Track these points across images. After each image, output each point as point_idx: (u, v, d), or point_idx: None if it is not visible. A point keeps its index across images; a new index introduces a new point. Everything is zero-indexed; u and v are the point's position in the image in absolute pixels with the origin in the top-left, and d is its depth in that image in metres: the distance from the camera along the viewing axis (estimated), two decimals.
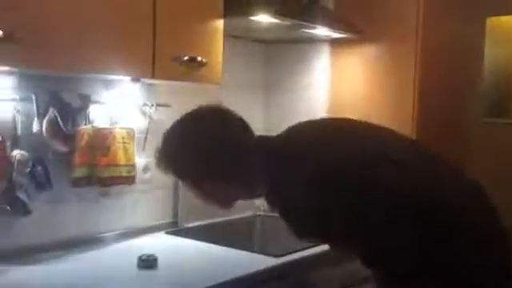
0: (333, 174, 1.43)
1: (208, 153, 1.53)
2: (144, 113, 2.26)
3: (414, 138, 2.28)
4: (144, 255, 1.85)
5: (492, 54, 3.17)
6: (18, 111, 1.85)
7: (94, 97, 2.05)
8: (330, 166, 1.45)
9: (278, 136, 1.62)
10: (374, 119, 1.66)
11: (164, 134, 1.60)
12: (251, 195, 1.69)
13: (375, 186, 1.41)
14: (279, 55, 2.84)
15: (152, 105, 2.24)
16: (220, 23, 2.10)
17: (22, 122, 1.86)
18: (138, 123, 2.23)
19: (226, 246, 2.12)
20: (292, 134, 1.61)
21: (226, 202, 1.66)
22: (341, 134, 1.58)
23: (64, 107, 1.93)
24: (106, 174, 2.03)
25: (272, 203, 1.58)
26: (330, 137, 1.56)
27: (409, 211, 1.40)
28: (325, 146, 1.51)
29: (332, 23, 2.44)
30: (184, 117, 1.61)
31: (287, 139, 1.60)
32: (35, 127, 1.88)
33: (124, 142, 2.08)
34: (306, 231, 1.53)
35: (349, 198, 1.42)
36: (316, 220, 1.45)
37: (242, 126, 1.60)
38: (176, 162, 1.59)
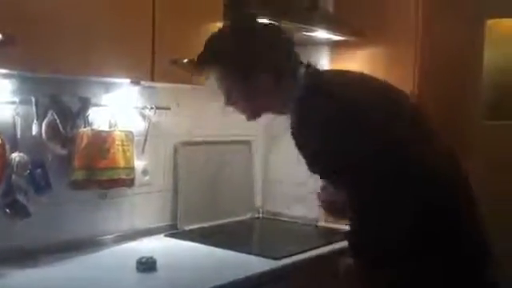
0: (352, 117, 1.50)
1: (258, 52, 1.59)
2: (143, 116, 2.26)
3: None
4: (143, 258, 1.85)
5: (492, 56, 3.17)
6: (17, 114, 1.86)
7: (93, 99, 2.05)
8: (350, 109, 1.51)
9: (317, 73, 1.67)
10: None
11: (211, 35, 1.65)
12: (279, 111, 1.72)
13: (385, 140, 1.48)
14: None
15: (151, 108, 2.25)
16: (219, 26, 2.10)
17: (21, 125, 1.86)
18: (137, 126, 2.24)
19: (225, 248, 2.12)
20: (329, 74, 1.72)
21: (256, 111, 1.68)
22: (371, 87, 1.66)
23: (63, 110, 1.94)
24: (105, 176, 2.03)
25: (293, 127, 1.61)
26: (362, 87, 1.64)
27: (413, 175, 1.47)
28: (353, 92, 1.57)
29: (332, 26, 2.44)
30: (231, 24, 1.74)
31: (324, 77, 1.66)
32: (34, 130, 1.88)
33: (123, 145, 2.09)
34: (317, 165, 1.58)
35: (362, 144, 1.48)
36: (327, 157, 1.53)
37: (292, 47, 1.65)
38: (225, 56, 1.61)
